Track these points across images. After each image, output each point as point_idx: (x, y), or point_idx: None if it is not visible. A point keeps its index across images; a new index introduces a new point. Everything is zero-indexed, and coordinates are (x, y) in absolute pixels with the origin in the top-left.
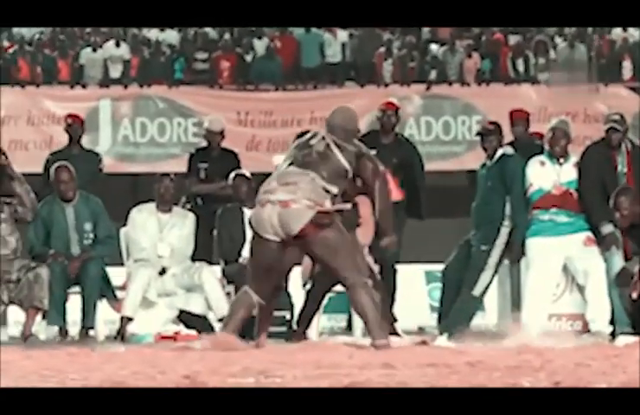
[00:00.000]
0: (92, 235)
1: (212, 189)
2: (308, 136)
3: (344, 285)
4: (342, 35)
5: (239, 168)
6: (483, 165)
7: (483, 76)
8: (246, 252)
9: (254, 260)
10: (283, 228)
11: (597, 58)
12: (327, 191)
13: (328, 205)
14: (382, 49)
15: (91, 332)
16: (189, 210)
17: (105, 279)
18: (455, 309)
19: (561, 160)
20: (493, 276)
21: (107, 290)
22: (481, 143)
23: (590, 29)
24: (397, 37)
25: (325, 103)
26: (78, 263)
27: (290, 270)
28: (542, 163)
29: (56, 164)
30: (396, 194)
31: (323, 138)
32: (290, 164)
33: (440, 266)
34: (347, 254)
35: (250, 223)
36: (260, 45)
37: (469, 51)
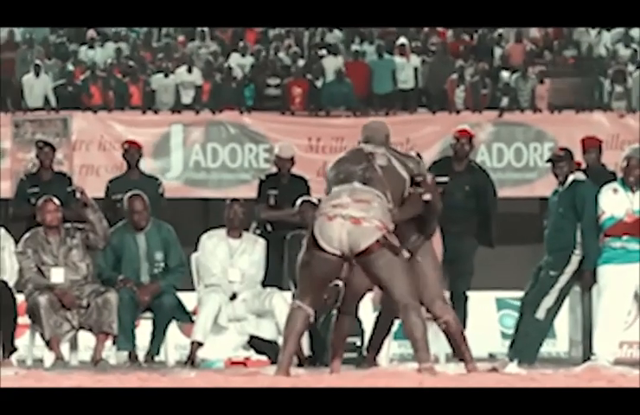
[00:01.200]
0: (162, 264)
1: (281, 216)
2: (350, 151)
3: (397, 307)
4: (415, 60)
5: (308, 194)
6: (555, 192)
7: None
8: None
9: (312, 272)
10: (350, 244)
11: None
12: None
13: (391, 227)
14: (455, 76)
15: (157, 358)
16: (259, 235)
17: (180, 305)
18: (520, 333)
19: (634, 188)
20: (558, 301)
21: (182, 316)
22: (552, 169)
23: None
24: (470, 64)
25: (397, 129)
26: (148, 296)
27: (361, 295)
28: (615, 191)
29: (130, 193)
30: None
31: (382, 154)
32: (341, 178)
33: (511, 293)
34: (403, 277)
35: (313, 234)
36: (330, 67)
37: (541, 77)
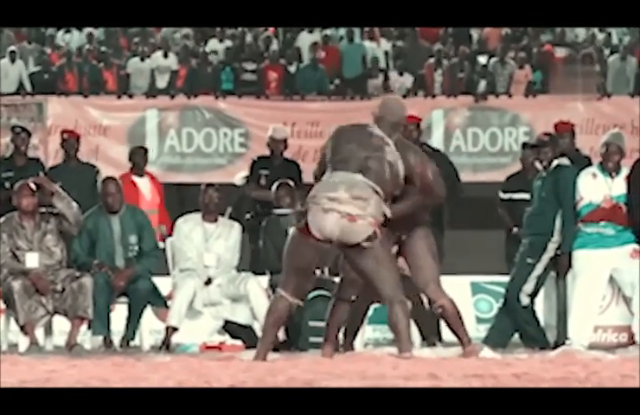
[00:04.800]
0: (136, 247)
1: (270, 196)
2: (359, 126)
3: (383, 300)
4: (385, 45)
5: (300, 178)
6: (539, 176)
7: (534, 88)
8: None
9: (297, 261)
10: (340, 238)
11: None
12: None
13: (382, 221)
14: (432, 60)
15: (132, 343)
16: (250, 218)
17: (155, 290)
18: (497, 320)
19: (613, 174)
20: (536, 288)
21: (157, 300)
22: (537, 154)
23: None
24: (448, 48)
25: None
26: (124, 281)
27: (360, 283)
28: (594, 176)
29: (104, 177)
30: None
31: (390, 145)
32: (340, 158)
33: (486, 277)
34: (389, 270)
35: (306, 222)
36: (305, 44)
37: (521, 63)
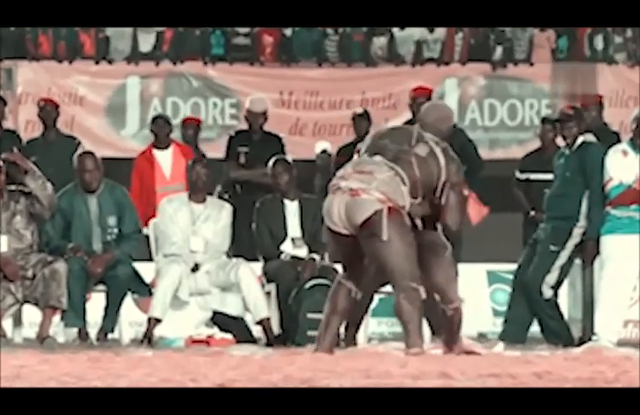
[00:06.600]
0: (116, 230)
1: (252, 176)
2: (401, 126)
3: (393, 287)
4: None
5: (282, 153)
6: (562, 154)
7: (560, 55)
8: (287, 248)
9: (330, 253)
10: (347, 218)
11: None
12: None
13: (401, 204)
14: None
15: (110, 335)
16: (226, 200)
17: (136, 276)
18: (513, 312)
19: None
20: (560, 278)
21: (140, 287)
22: (560, 129)
23: None
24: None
25: (378, 82)
26: (101, 267)
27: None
28: (625, 153)
29: (80, 152)
30: (478, 214)
31: (426, 143)
32: (375, 154)
33: (504, 266)
34: (403, 256)
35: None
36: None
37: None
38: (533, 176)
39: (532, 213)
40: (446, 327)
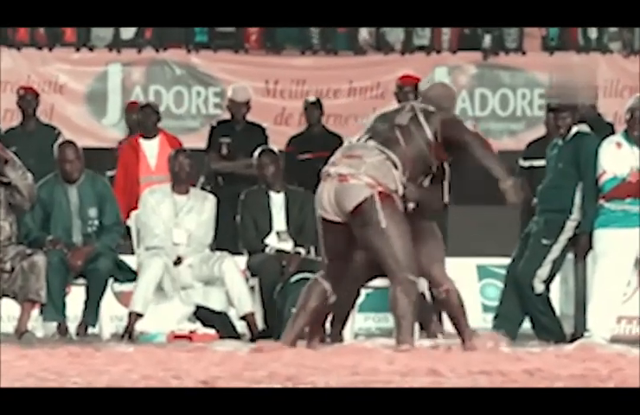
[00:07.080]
0: (97, 222)
1: (235, 167)
2: (394, 108)
3: (389, 278)
4: None
5: (266, 144)
6: (555, 145)
7: (550, 43)
8: (272, 241)
9: (322, 244)
10: (337, 205)
11: None
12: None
13: (392, 188)
14: None
15: (90, 330)
16: (209, 191)
17: (118, 266)
18: (503, 307)
19: None
20: (552, 273)
21: (124, 275)
22: (553, 119)
23: None
24: None
25: (366, 72)
26: (81, 260)
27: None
28: (619, 145)
29: (60, 141)
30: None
31: (411, 109)
32: (368, 138)
33: (494, 260)
34: (398, 245)
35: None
36: None
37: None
38: (536, 163)
39: (534, 201)
40: (450, 317)
